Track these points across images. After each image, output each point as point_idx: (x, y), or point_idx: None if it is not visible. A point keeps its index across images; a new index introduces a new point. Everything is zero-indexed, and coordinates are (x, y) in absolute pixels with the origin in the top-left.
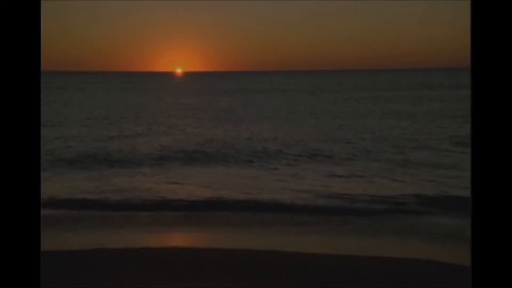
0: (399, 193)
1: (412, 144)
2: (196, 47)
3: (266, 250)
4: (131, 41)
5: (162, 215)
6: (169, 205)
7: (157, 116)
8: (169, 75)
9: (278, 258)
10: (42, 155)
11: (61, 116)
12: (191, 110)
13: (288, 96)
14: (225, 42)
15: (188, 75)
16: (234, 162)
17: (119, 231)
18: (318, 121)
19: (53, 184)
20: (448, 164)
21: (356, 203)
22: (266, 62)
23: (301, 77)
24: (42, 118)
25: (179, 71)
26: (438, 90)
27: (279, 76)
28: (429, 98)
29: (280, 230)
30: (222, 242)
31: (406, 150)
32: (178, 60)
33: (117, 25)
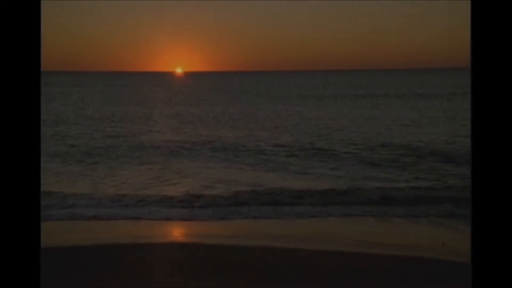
0: None
1: None
2: (197, 47)
3: (266, 248)
4: (131, 41)
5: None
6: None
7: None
8: (169, 75)
9: (278, 257)
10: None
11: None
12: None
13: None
14: (225, 42)
15: (188, 75)
16: None
17: (121, 228)
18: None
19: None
20: None
21: None
22: (266, 62)
23: (301, 78)
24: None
25: (179, 71)
26: None
27: (280, 77)
28: None
29: None
30: (225, 240)
31: None
32: (179, 60)
33: (117, 25)
